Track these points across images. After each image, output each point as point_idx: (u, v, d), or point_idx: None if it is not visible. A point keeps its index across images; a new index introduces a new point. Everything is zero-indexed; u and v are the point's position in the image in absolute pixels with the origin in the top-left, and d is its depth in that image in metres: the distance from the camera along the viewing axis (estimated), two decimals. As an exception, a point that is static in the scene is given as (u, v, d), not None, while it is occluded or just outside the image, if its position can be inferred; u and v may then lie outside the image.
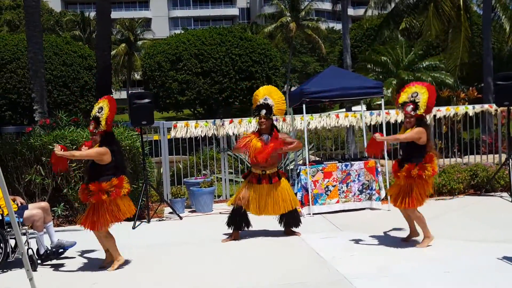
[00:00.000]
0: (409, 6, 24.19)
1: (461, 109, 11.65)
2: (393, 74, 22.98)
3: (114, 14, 42.17)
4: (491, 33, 21.95)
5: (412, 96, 6.81)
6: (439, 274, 5.75)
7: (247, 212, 7.70)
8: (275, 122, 10.65)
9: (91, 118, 6.45)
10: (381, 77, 22.64)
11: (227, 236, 7.76)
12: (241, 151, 7.69)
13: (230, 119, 10.86)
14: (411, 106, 6.75)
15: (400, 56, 23.14)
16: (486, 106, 11.67)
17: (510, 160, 10.01)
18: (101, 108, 6.44)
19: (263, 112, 7.51)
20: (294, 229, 7.88)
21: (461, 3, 22.66)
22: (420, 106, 6.73)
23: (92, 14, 49.21)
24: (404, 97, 6.90)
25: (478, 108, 11.57)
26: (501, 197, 10.04)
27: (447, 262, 6.15)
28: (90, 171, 6.45)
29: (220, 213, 9.53)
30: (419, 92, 6.82)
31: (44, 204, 7.03)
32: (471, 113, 11.45)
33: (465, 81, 26.43)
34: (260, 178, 7.55)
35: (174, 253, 7.18)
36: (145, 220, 9.23)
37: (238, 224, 7.69)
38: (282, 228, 7.91)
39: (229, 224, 7.73)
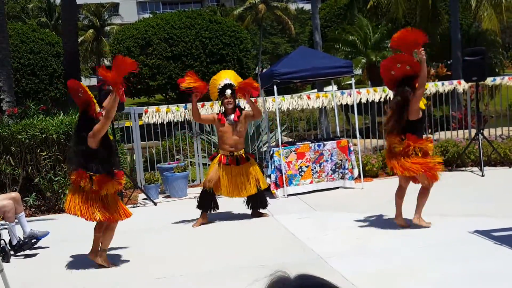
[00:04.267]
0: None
1: (431, 86, 11.76)
2: (362, 53, 23.09)
3: (81, 0, 41.42)
4: (459, 9, 22.11)
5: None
6: (413, 249, 5.84)
7: (216, 195, 7.72)
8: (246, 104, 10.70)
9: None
10: (350, 56, 22.74)
11: (196, 221, 7.76)
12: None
13: (201, 103, 10.79)
14: None
15: (368, 35, 23.24)
16: (455, 82, 11.79)
17: (480, 135, 10.16)
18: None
19: (228, 92, 7.55)
20: (261, 210, 7.94)
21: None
22: None
23: (58, 0, 48.31)
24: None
25: (447, 84, 11.69)
26: (471, 171, 10.20)
27: (420, 237, 6.24)
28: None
29: (194, 197, 9.49)
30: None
31: (15, 194, 6.94)
32: (441, 90, 11.56)
33: (435, 58, 26.68)
34: (228, 159, 7.57)
35: (151, 238, 7.16)
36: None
37: (208, 206, 7.70)
38: (249, 210, 7.96)
39: (199, 206, 7.73)
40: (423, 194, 6.68)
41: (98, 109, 5.88)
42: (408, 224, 6.71)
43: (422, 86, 6.43)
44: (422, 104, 6.55)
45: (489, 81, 11.58)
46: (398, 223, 6.77)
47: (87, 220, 5.93)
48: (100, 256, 6.08)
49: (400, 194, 6.84)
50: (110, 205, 5.93)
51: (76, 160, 5.88)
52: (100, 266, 6.07)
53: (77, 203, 5.82)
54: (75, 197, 5.83)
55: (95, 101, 5.93)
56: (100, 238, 6.11)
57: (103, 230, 6.10)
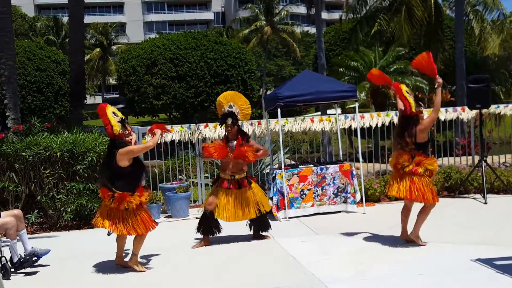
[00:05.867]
0: (382, 9, 24.43)
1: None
2: (366, 78, 23.15)
3: (88, 19, 41.86)
4: (464, 36, 22.25)
5: (409, 93, 7.00)
6: (413, 276, 5.81)
7: (217, 218, 7.71)
8: (250, 126, 10.74)
9: (120, 121, 6.43)
10: (354, 81, 22.83)
11: (197, 242, 7.75)
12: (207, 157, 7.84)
13: (205, 124, 10.84)
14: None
15: (373, 60, 23.35)
16: (458, 109, 11.81)
17: (483, 162, 10.15)
18: (113, 113, 6.47)
19: (229, 120, 7.59)
20: (263, 233, 7.93)
21: (433, 7, 22.93)
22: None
23: (66, 18, 48.80)
24: (412, 101, 6.93)
25: (451, 111, 11.70)
26: (474, 199, 10.17)
27: (422, 264, 6.21)
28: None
29: (196, 218, 9.45)
30: (407, 90, 7.04)
31: (17, 211, 6.94)
32: (443, 117, 11.56)
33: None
34: (229, 183, 7.58)
35: (150, 259, 7.13)
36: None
37: (208, 229, 7.68)
38: (251, 232, 7.95)
39: (199, 229, 7.72)
40: (424, 212, 7.01)
41: (119, 130, 6.35)
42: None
43: (436, 111, 6.91)
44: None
45: (493, 108, 11.61)
46: (402, 238, 7.15)
47: (114, 232, 6.50)
48: (130, 260, 6.61)
49: (405, 213, 7.15)
50: (133, 220, 6.40)
51: (102, 177, 6.55)
52: (102, 283, 6.06)
53: (105, 217, 6.40)
54: (104, 212, 6.43)
55: (114, 124, 6.33)
56: (122, 247, 6.66)
57: (134, 237, 6.57)
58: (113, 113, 6.44)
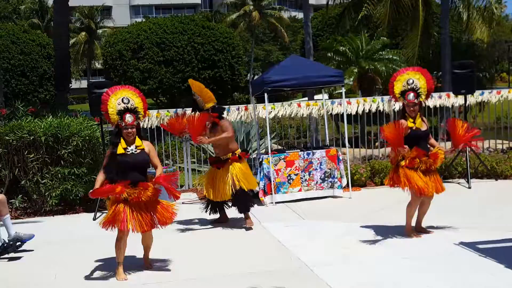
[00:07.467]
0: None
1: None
2: (353, 63, 23.16)
3: (73, 2, 41.25)
4: (450, 23, 22.24)
5: (408, 84, 6.63)
6: (397, 260, 5.85)
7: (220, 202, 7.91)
8: (237, 111, 10.74)
9: (122, 111, 5.83)
10: (342, 66, 22.81)
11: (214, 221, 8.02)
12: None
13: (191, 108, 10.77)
14: (412, 93, 6.57)
15: (360, 46, 23.34)
16: (443, 96, 11.85)
17: (467, 147, 10.21)
18: (127, 99, 5.87)
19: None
20: (249, 216, 7.77)
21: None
22: (422, 92, 6.64)
23: (51, 1, 48.19)
24: (399, 86, 6.69)
25: (436, 98, 11.74)
26: (458, 183, 10.24)
27: (406, 248, 6.26)
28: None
29: (182, 203, 9.49)
30: (414, 78, 6.67)
31: (1, 196, 6.88)
32: (429, 103, 11.59)
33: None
34: (217, 163, 7.73)
35: (137, 243, 7.10)
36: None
37: (248, 206, 7.74)
38: (240, 216, 7.92)
39: (241, 210, 7.71)
40: (407, 207, 6.82)
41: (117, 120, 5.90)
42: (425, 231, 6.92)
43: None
44: (417, 123, 6.70)
45: (477, 94, 11.67)
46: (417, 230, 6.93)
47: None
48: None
49: (420, 206, 6.96)
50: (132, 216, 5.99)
51: None
52: (88, 269, 6.05)
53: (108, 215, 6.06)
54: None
55: (110, 112, 5.94)
56: (119, 251, 5.96)
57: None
58: (123, 99, 5.87)
